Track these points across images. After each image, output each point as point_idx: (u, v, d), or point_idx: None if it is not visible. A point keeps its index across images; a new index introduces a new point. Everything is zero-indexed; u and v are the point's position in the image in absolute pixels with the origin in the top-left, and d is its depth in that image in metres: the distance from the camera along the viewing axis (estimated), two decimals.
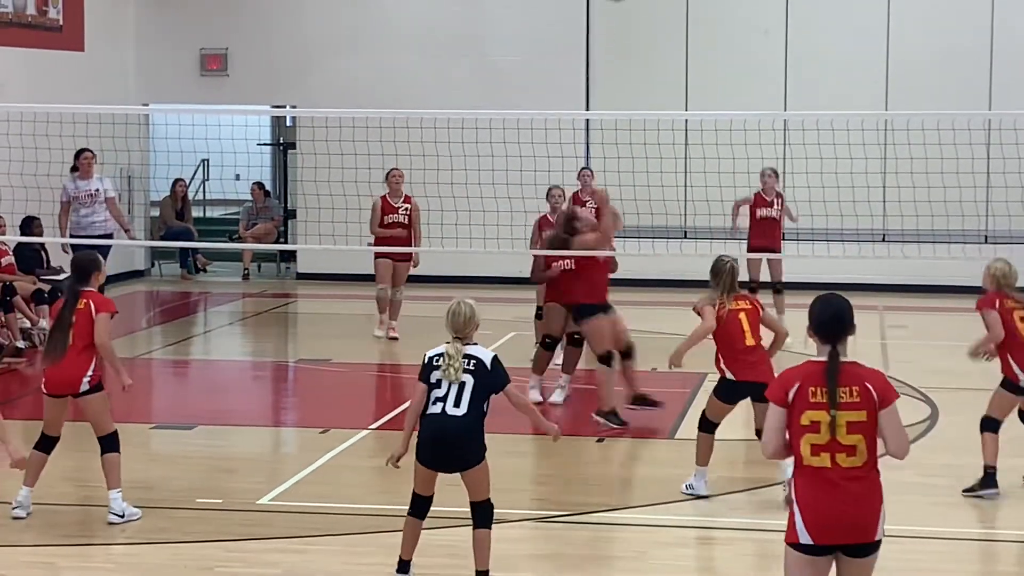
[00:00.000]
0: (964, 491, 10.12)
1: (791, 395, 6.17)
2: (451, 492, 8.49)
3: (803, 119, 17.84)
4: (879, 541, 6.15)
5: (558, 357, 13.58)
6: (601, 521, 9.62)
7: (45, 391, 9.44)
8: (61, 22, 21.02)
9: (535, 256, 13.74)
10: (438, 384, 7.97)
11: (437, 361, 7.98)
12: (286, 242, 23.81)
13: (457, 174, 18.91)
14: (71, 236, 16.95)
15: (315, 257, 22.38)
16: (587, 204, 17.55)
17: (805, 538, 6.11)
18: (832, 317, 6.26)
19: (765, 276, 17.10)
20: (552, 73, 21.95)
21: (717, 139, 18.07)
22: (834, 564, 6.20)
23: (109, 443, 9.44)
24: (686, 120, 20.39)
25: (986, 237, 20.43)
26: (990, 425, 10.18)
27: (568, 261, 12.90)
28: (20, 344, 15.60)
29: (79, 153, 17.53)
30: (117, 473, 9.44)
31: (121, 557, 8.87)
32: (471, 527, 8.10)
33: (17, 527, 9.31)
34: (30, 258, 17.17)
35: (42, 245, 17.28)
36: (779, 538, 9.16)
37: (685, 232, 20.67)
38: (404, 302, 17.02)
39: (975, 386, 13.31)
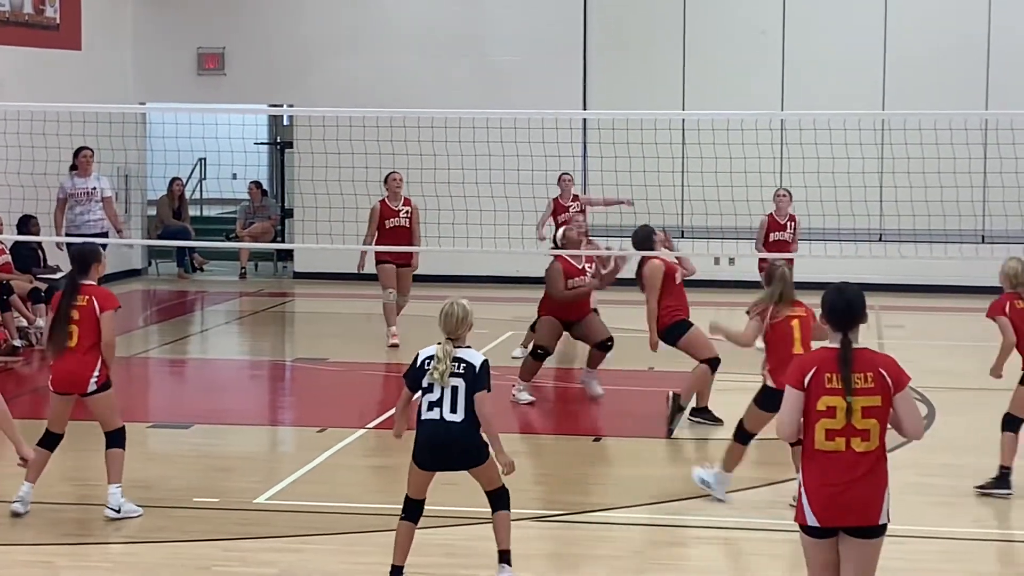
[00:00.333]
0: (976, 487, 10.12)
1: (807, 380, 6.36)
2: (447, 492, 8.50)
3: (800, 119, 17.84)
4: (883, 526, 6.33)
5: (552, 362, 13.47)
6: (598, 520, 9.62)
7: (52, 388, 9.45)
8: (58, 21, 21.01)
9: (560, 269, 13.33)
10: (430, 388, 7.94)
11: (427, 365, 7.95)
12: (283, 241, 23.82)
13: (454, 173, 18.92)
14: (66, 234, 16.94)
15: (312, 256, 22.38)
16: (570, 209, 17.59)
17: (812, 520, 6.33)
18: (845, 306, 6.45)
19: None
20: (550, 73, 21.96)
21: (714, 139, 18.06)
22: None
23: (115, 438, 9.46)
24: (683, 120, 20.39)
25: (983, 237, 20.44)
26: (1011, 424, 10.15)
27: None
28: (17, 343, 15.59)
29: (78, 151, 17.51)
30: (119, 468, 9.45)
31: (119, 556, 8.87)
32: (489, 512, 8.11)
33: (15, 526, 9.30)
34: (27, 257, 17.16)
35: (39, 244, 17.28)
36: (775, 537, 9.21)
37: (682, 232, 20.67)
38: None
39: (973, 386, 13.35)
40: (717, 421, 12.36)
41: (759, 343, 9.96)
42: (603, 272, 13.36)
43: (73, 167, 17.68)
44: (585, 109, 21.88)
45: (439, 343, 7.98)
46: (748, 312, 10.11)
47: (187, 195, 24.87)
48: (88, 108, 17.04)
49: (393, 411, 13.01)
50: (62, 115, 16.69)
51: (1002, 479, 10.07)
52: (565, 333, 13.44)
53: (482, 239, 17.51)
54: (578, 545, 9.15)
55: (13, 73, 19.50)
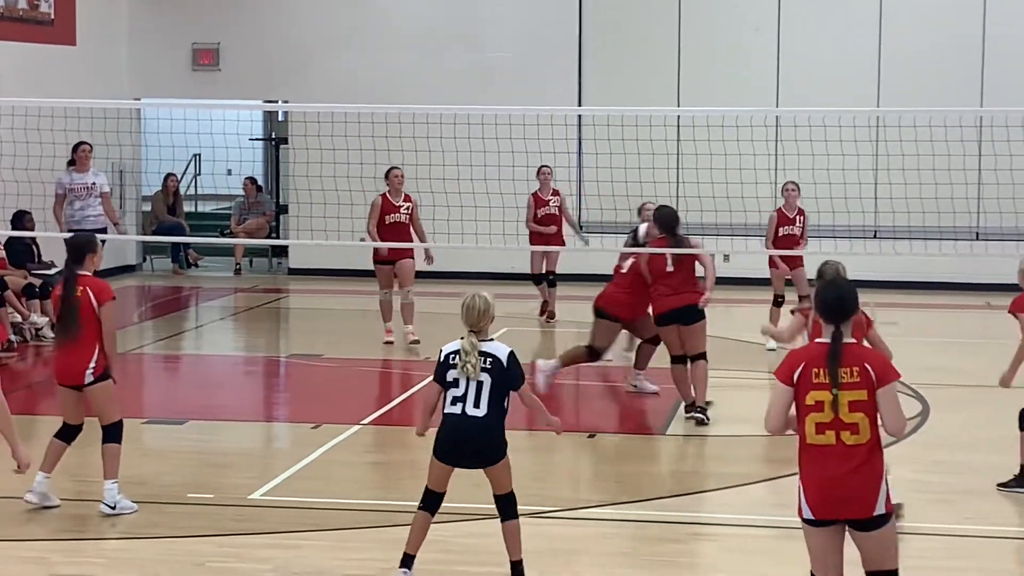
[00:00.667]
0: (998, 485, 10.08)
1: (796, 376, 6.48)
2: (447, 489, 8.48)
3: (795, 116, 17.82)
4: (883, 516, 6.41)
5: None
6: (593, 517, 9.62)
7: (55, 380, 9.52)
8: (53, 16, 20.98)
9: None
10: (455, 383, 7.90)
11: (453, 359, 7.91)
12: (278, 237, 23.81)
13: (449, 169, 18.91)
14: (67, 230, 16.91)
15: (307, 252, 22.38)
16: (549, 203, 17.62)
17: (807, 513, 6.47)
18: (836, 300, 6.58)
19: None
20: (545, 69, 21.96)
21: (709, 135, 18.09)
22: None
23: (112, 433, 9.46)
24: (678, 116, 20.39)
25: (977, 234, 20.46)
26: None
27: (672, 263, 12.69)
28: (11, 338, 15.58)
29: (77, 146, 17.50)
30: (116, 464, 9.45)
31: (113, 552, 8.87)
32: (498, 520, 8.10)
33: (10, 522, 9.30)
34: (21, 252, 17.15)
35: (33, 239, 17.26)
36: (772, 534, 9.22)
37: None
38: (396, 298, 16.70)
39: (967, 382, 13.37)
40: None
41: (802, 340, 9.68)
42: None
43: (71, 162, 17.66)
44: (580, 105, 21.89)
45: (462, 337, 7.96)
46: (792, 311, 10.09)
47: (182, 191, 24.85)
48: (83, 103, 17.05)
49: (390, 406, 13.16)
50: (56, 111, 16.69)
51: (1023, 477, 10.03)
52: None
53: (477, 235, 17.51)
54: (573, 541, 9.15)
55: (7, 69, 19.48)
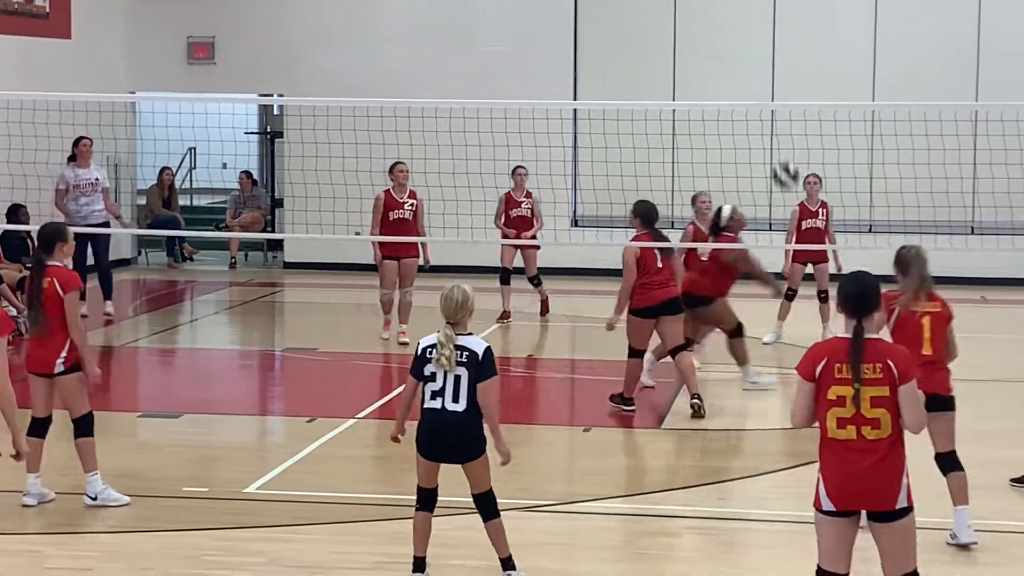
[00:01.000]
0: (1012, 480, 10.05)
1: (818, 371, 6.50)
2: (439, 483, 8.47)
3: (790, 110, 17.83)
4: (904, 509, 6.45)
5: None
6: (587, 511, 9.63)
7: (27, 369, 9.49)
8: (48, 9, 20.96)
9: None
10: (432, 377, 7.85)
11: (430, 353, 7.84)
12: (273, 231, 23.79)
13: (444, 163, 18.90)
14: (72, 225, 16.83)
15: (302, 246, 22.38)
16: (522, 205, 17.50)
17: (827, 505, 6.48)
18: (858, 294, 6.59)
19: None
20: (540, 63, 21.94)
21: (704, 129, 18.05)
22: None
23: (84, 426, 9.47)
24: (673, 110, 20.39)
25: (972, 228, 20.46)
26: None
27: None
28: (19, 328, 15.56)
29: (78, 141, 17.47)
30: (92, 456, 9.46)
31: (107, 546, 8.86)
32: (480, 519, 8.05)
33: (4, 515, 9.30)
34: (16, 246, 17.13)
35: (28, 233, 17.24)
36: (766, 527, 9.22)
37: (672, 222, 20.65)
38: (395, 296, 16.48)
39: (966, 377, 13.36)
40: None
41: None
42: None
43: (71, 157, 17.61)
44: (576, 100, 21.88)
45: (439, 330, 7.91)
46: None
47: (177, 184, 24.83)
48: (78, 97, 17.02)
49: (385, 399, 13.16)
50: (51, 104, 16.67)
51: None
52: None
53: (472, 229, 17.53)
54: (569, 535, 9.16)
55: (2, 62, 19.45)
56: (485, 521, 8.02)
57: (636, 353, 12.41)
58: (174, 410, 12.62)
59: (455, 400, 7.79)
